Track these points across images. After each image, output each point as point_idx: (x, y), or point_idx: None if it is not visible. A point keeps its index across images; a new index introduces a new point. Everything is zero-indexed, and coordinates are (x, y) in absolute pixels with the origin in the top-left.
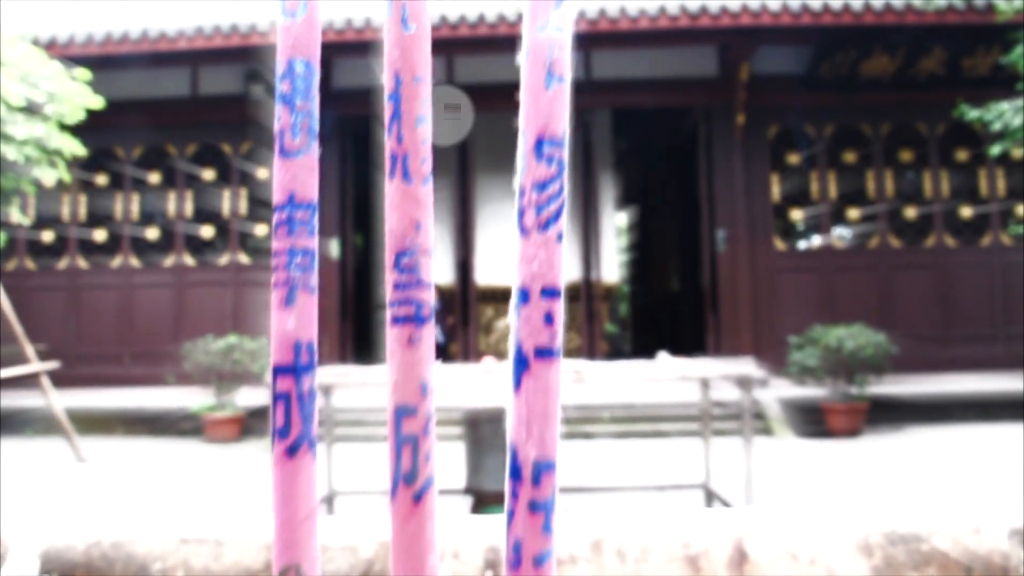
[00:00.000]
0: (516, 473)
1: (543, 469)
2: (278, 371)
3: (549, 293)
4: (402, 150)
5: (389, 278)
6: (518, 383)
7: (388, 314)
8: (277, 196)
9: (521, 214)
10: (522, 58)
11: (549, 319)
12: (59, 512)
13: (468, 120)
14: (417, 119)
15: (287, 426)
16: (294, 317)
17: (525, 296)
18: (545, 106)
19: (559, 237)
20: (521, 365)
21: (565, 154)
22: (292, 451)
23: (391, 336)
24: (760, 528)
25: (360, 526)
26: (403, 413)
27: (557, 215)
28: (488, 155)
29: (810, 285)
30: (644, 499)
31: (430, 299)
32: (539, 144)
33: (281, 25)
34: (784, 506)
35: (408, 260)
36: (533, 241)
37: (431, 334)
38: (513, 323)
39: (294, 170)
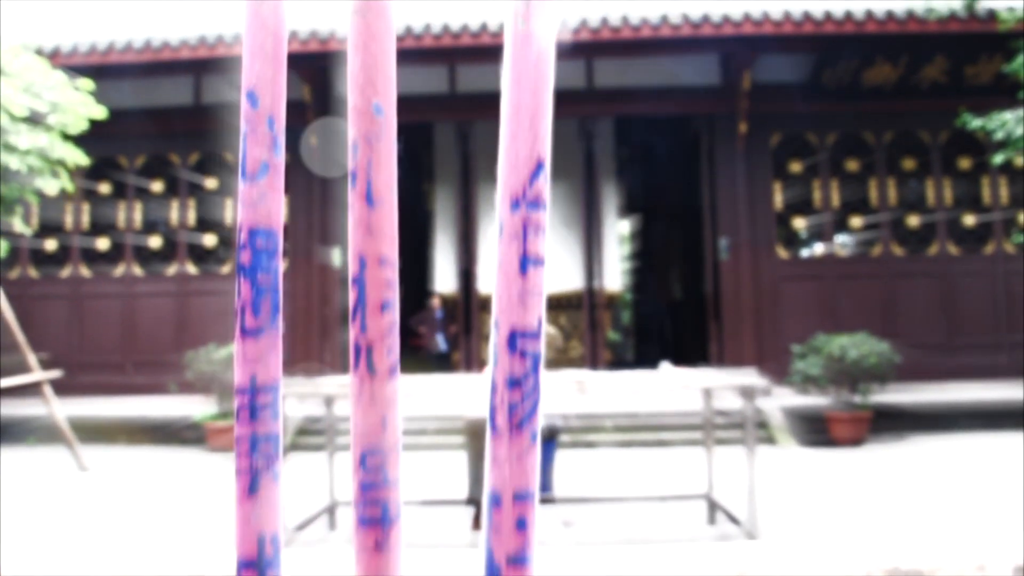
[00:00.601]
0: None
1: None
2: (242, 566)
3: (522, 497)
4: (366, 340)
5: (355, 477)
6: None
7: (354, 514)
8: (239, 377)
9: (493, 412)
10: (496, 236)
11: (522, 525)
12: (59, 524)
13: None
14: (383, 304)
15: None
16: (258, 507)
17: (497, 500)
18: (519, 294)
19: (533, 437)
20: (493, 573)
21: (541, 346)
22: None
23: (357, 539)
24: (762, 564)
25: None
26: None
27: (532, 413)
28: (490, 163)
29: (813, 293)
30: (646, 510)
31: (398, 499)
32: (512, 338)
33: (241, 190)
34: (786, 539)
35: (375, 460)
36: (505, 442)
37: (399, 536)
38: (484, 527)
39: (257, 350)
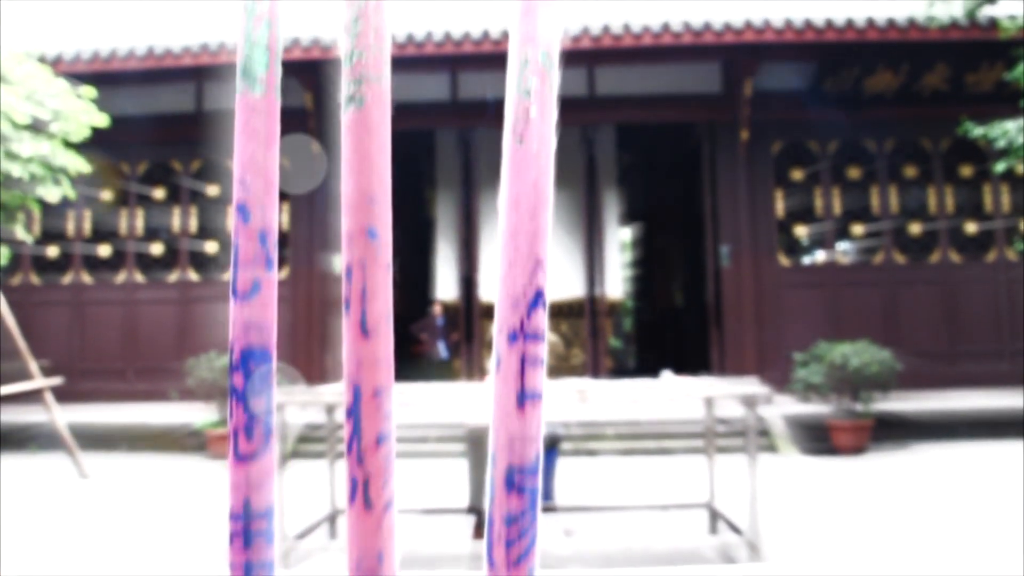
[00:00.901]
0: None
1: None
2: None
3: None
4: (363, 473)
5: None
6: None
7: None
8: (233, 503)
9: (490, 547)
10: (491, 366)
11: None
12: (59, 531)
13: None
14: (379, 437)
15: None
16: None
17: None
18: (517, 429)
19: (531, 573)
20: None
21: (538, 480)
22: None
23: None
24: None
25: None
26: None
27: (529, 548)
28: (492, 170)
29: (814, 301)
30: (648, 519)
31: None
32: (509, 474)
33: (233, 309)
34: (788, 559)
35: None
36: None
37: None
38: None
39: (250, 475)
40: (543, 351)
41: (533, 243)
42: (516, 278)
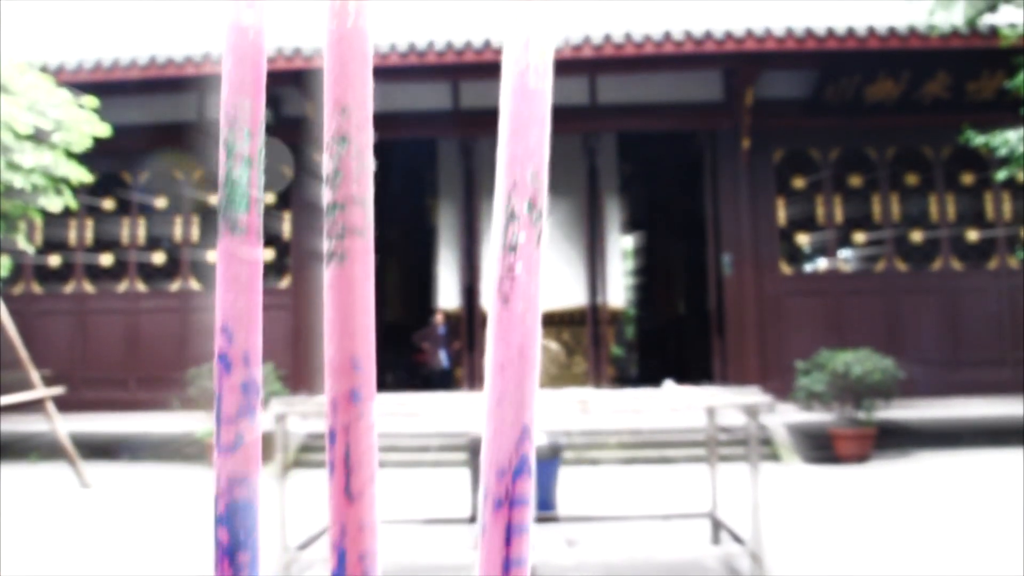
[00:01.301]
0: None
1: None
2: None
3: None
4: None
5: None
6: None
7: None
8: None
9: None
10: (477, 532)
11: None
12: (60, 541)
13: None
14: None
15: None
16: None
17: None
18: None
19: None
20: None
21: None
22: None
23: None
24: None
25: None
26: None
27: None
28: (493, 179)
29: (816, 309)
30: (650, 528)
31: None
32: None
33: (216, 461)
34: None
35: None
36: None
37: None
38: None
39: None
40: (529, 516)
41: (519, 411)
42: (502, 446)
